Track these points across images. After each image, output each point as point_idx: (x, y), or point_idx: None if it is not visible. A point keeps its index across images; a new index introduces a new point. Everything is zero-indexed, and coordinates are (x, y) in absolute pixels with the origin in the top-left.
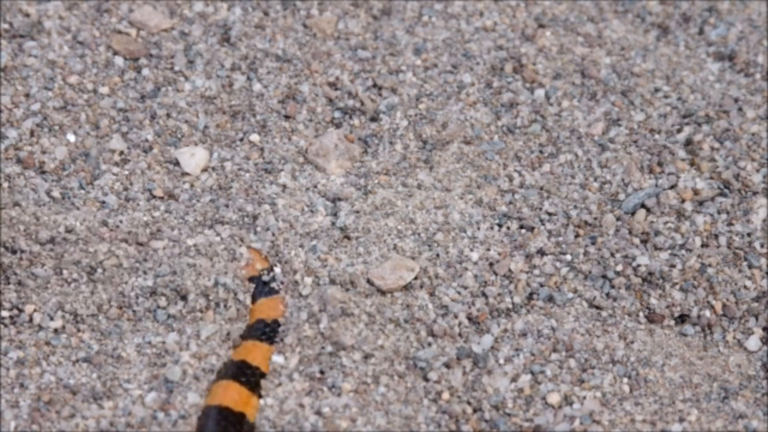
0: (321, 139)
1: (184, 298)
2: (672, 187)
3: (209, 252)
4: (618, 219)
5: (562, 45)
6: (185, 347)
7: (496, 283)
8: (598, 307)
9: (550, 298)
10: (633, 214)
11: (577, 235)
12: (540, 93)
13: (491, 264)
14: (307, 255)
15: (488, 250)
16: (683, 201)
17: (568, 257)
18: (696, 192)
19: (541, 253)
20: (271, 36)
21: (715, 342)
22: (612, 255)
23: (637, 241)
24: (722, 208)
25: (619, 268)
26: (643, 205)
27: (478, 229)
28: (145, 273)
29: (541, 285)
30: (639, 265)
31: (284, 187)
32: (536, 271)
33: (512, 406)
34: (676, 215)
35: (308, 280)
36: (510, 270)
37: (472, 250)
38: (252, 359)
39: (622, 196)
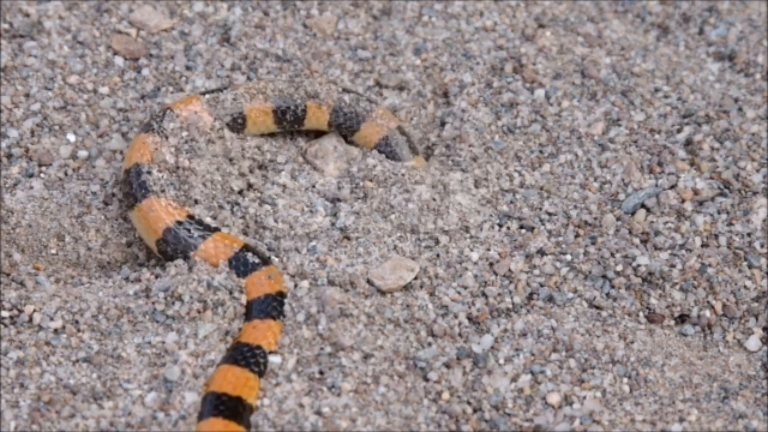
0: (321, 140)
1: (180, 299)
2: (672, 187)
3: None
4: (618, 219)
5: (562, 45)
6: (183, 346)
7: (496, 283)
8: (598, 307)
9: (550, 298)
10: (633, 214)
11: (577, 235)
12: (540, 93)
13: (491, 264)
14: (306, 255)
15: (488, 250)
16: (683, 201)
17: (568, 257)
18: (696, 192)
19: (541, 253)
20: (271, 36)
21: (715, 342)
22: (612, 255)
23: (637, 241)
24: (722, 208)
25: (619, 268)
26: (643, 205)
27: (480, 229)
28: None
29: (541, 285)
30: (639, 265)
31: (284, 187)
32: (536, 271)
33: (512, 406)
34: (676, 215)
35: (307, 280)
36: (510, 270)
37: (472, 250)
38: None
39: (622, 196)
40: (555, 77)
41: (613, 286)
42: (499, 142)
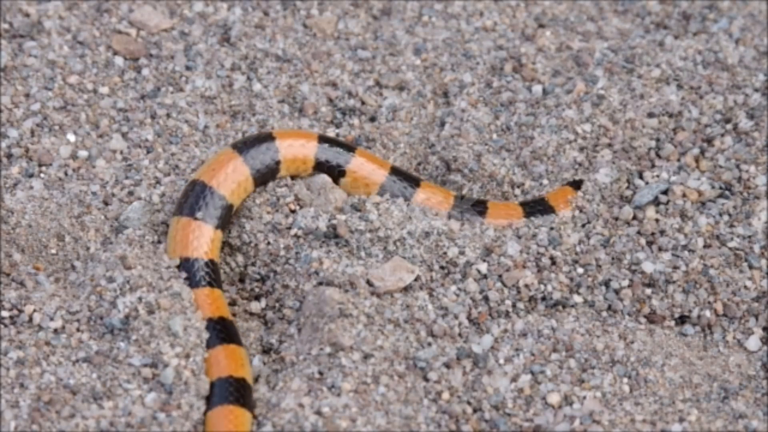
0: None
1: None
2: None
3: None
4: (627, 222)
5: (562, 44)
6: (168, 349)
7: (502, 290)
8: (598, 308)
9: (554, 304)
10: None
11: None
12: (537, 89)
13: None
14: (305, 256)
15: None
16: (687, 201)
17: (580, 270)
18: (699, 193)
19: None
20: (271, 36)
21: (715, 342)
22: (620, 260)
23: (643, 241)
24: (724, 210)
25: (626, 277)
26: (655, 200)
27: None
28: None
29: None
30: (642, 267)
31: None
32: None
33: (512, 406)
34: (680, 216)
35: (306, 281)
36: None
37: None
38: None
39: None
40: (554, 75)
41: (616, 293)
42: (498, 140)
